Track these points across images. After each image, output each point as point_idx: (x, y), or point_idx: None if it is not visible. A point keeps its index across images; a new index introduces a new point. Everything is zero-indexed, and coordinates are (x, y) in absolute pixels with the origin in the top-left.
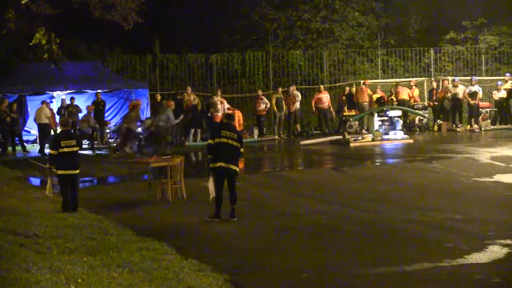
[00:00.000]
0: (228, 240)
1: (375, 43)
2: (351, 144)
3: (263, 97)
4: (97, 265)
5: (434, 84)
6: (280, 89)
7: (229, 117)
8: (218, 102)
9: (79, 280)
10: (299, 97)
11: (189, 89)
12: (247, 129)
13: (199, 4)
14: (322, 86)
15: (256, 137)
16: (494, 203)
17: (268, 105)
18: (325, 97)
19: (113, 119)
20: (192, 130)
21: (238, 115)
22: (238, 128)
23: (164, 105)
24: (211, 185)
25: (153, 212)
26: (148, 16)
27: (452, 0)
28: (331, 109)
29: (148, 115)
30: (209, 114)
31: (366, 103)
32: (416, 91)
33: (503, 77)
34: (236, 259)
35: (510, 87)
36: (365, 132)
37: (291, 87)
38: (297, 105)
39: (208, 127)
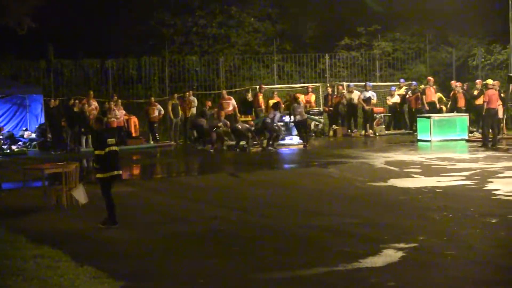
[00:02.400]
0: (124, 247)
1: (271, 49)
2: (250, 149)
3: (156, 103)
4: None
5: (330, 90)
6: (175, 95)
7: (101, 121)
8: (114, 108)
9: None
10: (195, 102)
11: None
12: (143, 135)
13: (95, 9)
14: (224, 92)
15: (151, 142)
16: (389, 207)
17: (162, 111)
18: (229, 103)
19: (6, 125)
20: (85, 137)
21: (134, 121)
22: (134, 134)
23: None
24: (79, 192)
25: (47, 219)
26: (43, 21)
27: (347, 7)
28: (238, 115)
29: (43, 121)
30: (105, 120)
31: (260, 109)
32: (312, 97)
33: (397, 83)
34: (132, 266)
35: (403, 93)
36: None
37: (187, 93)
38: (193, 110)
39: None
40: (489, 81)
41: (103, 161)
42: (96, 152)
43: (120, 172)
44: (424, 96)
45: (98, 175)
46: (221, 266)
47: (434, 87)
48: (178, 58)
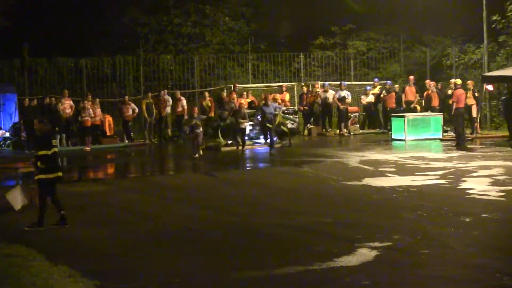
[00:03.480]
0: (98, 246)
1: (245, 48)
2: (223, 149)
3: (130, 102)
4: None
5: (304, 89)
6: (150, 94)
7: (43, 122)
8: (89, 107)
9: None
10: (170, 101)
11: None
12: (118, 134)
13: (69, 8)
14: (207, 93)
15: (126, 141)
16: (363, 206)
17: (137, 110)
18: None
19: None
20: (59, 136)
21: (109, 120)
22: (108, 133)
23: None
24: (14, 196)
25: (21, 218)
26: (17, 20)
27: (321, 6)
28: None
29: (17, 119)
30: (79, 119)
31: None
32: (287, 96)
33: (371, 82)
34: (106, 265)
35: (378, 92)
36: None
37: (162, 92)
38: (168, 109)
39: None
40: (458, 81)
41: (49, 162)
42: (42, 152)
43: (60, 174)
44: (403, 95)
45: (42, 176)
46: (196, 265)
47: (414, 86)
48: (152, 57)
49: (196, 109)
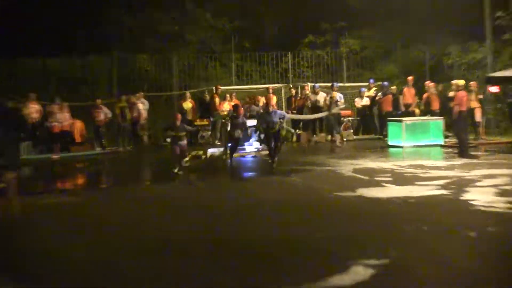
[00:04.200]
0: (67, 260)
1: (228, 47)
2: (206, 157)
3: (102, 106)
4: None
5: (293, 91)
6: (124, 97)
7: None
8: (57, 111)
9: None
10: (147, 105)
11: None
12: (89, 141)
13: (36, 5)
14: (188, 93)
15: (98, 149)
16: (357, 219)
17: (109, 115)
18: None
19: None
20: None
21: (79, 125)
22: (78, 140)
23: None
24: None
25: None
26: None
27: (311, 1)
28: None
29: None
30: (46, 124)
31: (217, 112)
32: (274, 99)
33: (366, 83)
34: (77, 280)
35: (373, 95)
36: (218, 143)
37: (138, 94)
38: (144, 113)
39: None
40: (460, 82)
41: None
42: None
43: None
44: (401, 97)
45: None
46: (176, 282)
47: (414, 88)
48: (128, 57)
49: (179, 116)
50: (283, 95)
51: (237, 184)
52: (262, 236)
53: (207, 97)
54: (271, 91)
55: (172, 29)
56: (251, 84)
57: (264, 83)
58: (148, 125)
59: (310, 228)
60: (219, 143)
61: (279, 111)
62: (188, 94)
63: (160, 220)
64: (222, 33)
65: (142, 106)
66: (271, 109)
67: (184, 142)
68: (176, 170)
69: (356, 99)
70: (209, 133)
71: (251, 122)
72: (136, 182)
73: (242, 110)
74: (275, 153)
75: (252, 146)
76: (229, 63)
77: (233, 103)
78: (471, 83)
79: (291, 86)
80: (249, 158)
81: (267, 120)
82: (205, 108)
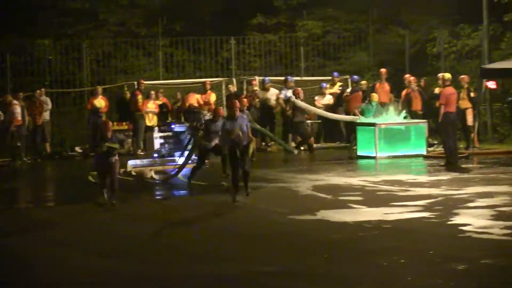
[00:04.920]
0: None
1: (155, 31)
2: (127, 170)
3: None
4: None
5: (232, 88)
6: (21, 94)
7: None
8: None
9: None
10: (49, 104)
11: None
12: None
13: None
14: (100, 89)
15: None
16: (318, 249)
17: (1, 117)
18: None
19: None
20: None
21: None
22: None
23: None
24: None
25: None
26: None
27: None
28: None
29: None
30: None
31: (140, 113)
32: (212, 96)
33: (329, 78)
34: None
35: (338, 91)
36: (142, 152)
37: (38, 91)
38: (46, 115)
39: None
40: (447, 75)
41: None
42: None
43: None
44: (372, 95)
45: None
46: None
47: (388, 83)
48: (23, 43)
49: (110, 126)
50: (223, 91)
51: (162, 206)
52: (190, 270)
53: (128, 94)
54: (209, 87)
55: (81, 6)
56: (183, 78)
57: (200, 77)
58: (51, 130)
59: (256, 260)
60: (142, 153)
61: (245, 116)
62: (99, 89)
63: (64, 254)
64: (146, 12)
65: (46, 106)
66: (237, 113)
67: (116, 158)
68: (102, 201)
69: (316, 97)
70: (130, 140)
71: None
72: (36, 202)
73: (222, 111)
74: (247, 180)
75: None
76: (156, 51)
77: (160, 102)
78: (461, 77)
79: (234, 80)
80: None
81: (228, 129)
82: (124, 108)
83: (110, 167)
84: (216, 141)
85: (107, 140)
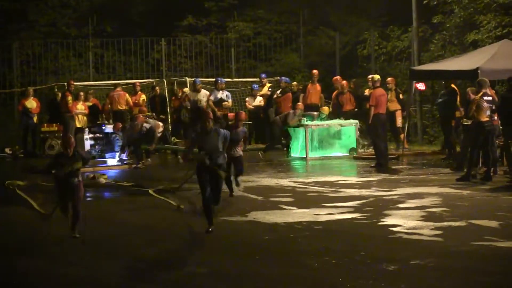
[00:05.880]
0: None
1: (85, 31)
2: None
3: None
4: None
5: (157, 90)
6: None
7: None
8: None
9: None
10: None
11: None
12: None
13: None
14: (31, 90)
15: None
16: (250, 251)
17: None
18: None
19: None
20: None
21: None
22: None
23: None
24: None
25: None
26: None
27: None
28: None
29: None
30: None
31: (70, 115)
32: (142, 97)
33: (259, 79)
34: None
35: (268, 93)
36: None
37: None
38: None
39: None
40: (376, 77)
41: None
42: None
43: None
44: (303, 96)
45: None
46: None
47: (319, 84)
48: None
49: (71, 141)
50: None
51: (94, 206)
52: (124, 273)
53: (59, 95)
54: (138, 88)
55: (11, 5)
56: (113, 79)
57: (131, 78)
58: None
59: (188, 262)
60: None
61: (222, 130)
62: (31, 90)
63: None
64: (76, 13)
65: None
66: (209, 125)
67: (79, 179)
68: (76, 234)
69: (248, 99)
70: (60, 142)
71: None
72: None
73: (244, 115)
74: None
75: (114, 159)
76: (86, 52)
77: (90, 103)
78: (388, 79)
79: (165, 81)
80: (110, 172)
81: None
82: (55, 109)
83: (73, 190)
84: (239, 150)
85: (69, 160)
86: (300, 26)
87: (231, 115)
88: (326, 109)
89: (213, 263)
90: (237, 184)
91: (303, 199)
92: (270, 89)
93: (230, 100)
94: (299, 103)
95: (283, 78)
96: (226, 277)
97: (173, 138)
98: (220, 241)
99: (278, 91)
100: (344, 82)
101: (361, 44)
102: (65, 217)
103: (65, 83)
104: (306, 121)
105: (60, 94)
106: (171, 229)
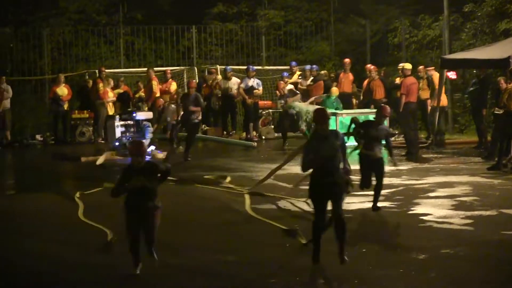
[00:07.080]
0: None
1: (115, 19)
2: (82, 159)
3: None
4: None
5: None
6: None
7: None
8: None
9: None
10: (10, 92)
11: None
12: None
13: None
14: (62, 76)
15: None
16: (272, 240)
17: None
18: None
19: None
20: None
21: None
22: None
23: None
24: None
25: None
26: None
27: None
28: None
29: None
30: None
31: (101, 102)
32: (173, 85)
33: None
34: None
35: (298, 80)
36: (102, 141)
37: None
38: (7, 103)
39: None
40: (407, 65)
41: None
42: None
43: None
44: (335, 84)
45: None
46: None
47: (351, 73)
48: None
49: (143, 148)
50: (185, 80)
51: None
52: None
53: (90, 82)
54: (169, 76)
55: None
56: (144, 67)
57: (161, 65)
58: (11, 118)
59: (216, 250)
60: (102, 142)
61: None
62: (62, 77)
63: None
64: (106, 1)
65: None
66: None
67: (158, 204)
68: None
69: (301, 80)
70: (91, 129)
71: (145, 115)
72: None
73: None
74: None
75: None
76: (117, 40)
77: (121, 91)
78: (419, 67)
79: (196, 69)
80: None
81: None
82: (86, 96)
83: (147, 214)
84: (378, 151)
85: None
86: (330, 14)
87: (261, 103)
88: (335, 90)
89: (242, 251)
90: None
91: None
92: (300, 77)
93: (260, 88)
94: (333, 88)
95: (313, 66)
96: (255, 264)
97: (203, 125)
98: (250, 230)
99: (310, 79)
100: (373, 67)
101: (391, 32)
102: (133, 255)
103: (96, 70)
104: (339, 109)
105: (91, 81)
106: (200, 216)
